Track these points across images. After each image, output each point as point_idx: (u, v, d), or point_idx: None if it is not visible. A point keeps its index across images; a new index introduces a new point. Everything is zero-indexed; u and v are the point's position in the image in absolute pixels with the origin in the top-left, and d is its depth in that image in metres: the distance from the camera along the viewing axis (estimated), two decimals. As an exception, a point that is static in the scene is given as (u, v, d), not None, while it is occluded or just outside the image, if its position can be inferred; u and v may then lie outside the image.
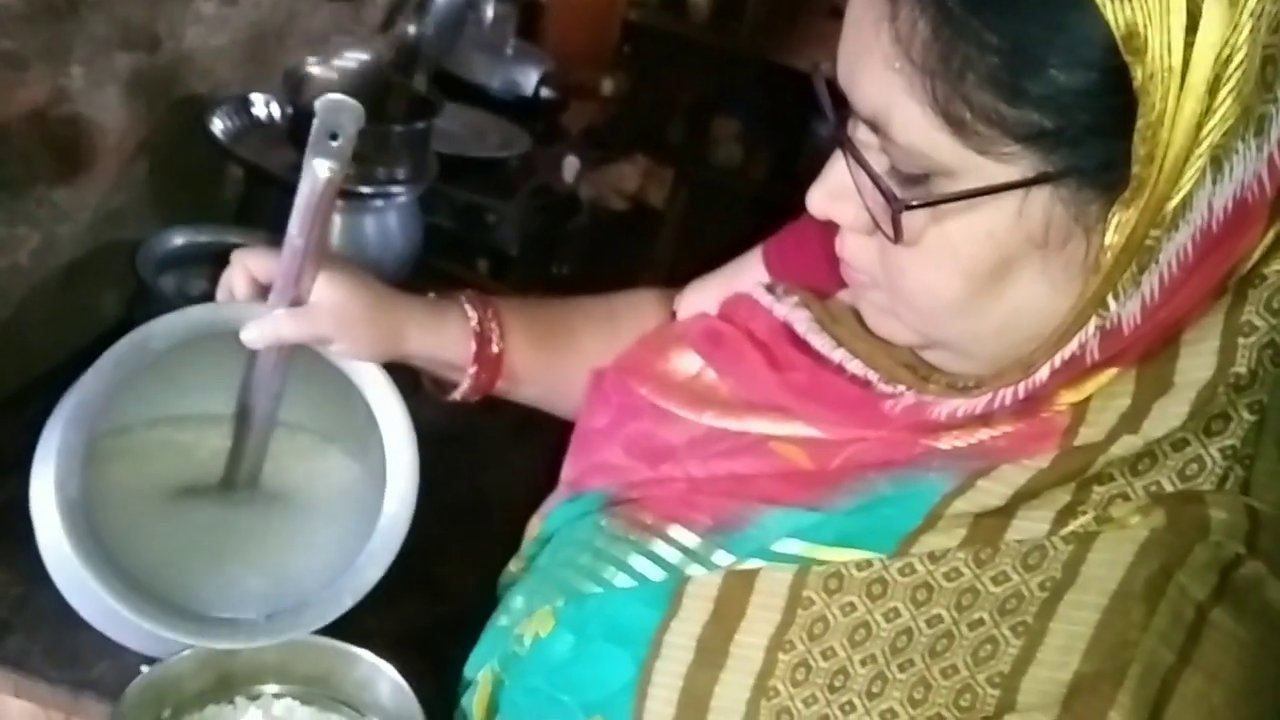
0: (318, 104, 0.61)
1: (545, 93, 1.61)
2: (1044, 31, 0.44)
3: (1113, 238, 0.46)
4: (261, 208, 1.14)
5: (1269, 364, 0.50)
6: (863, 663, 0.53)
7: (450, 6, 1.38)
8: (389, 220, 1.16)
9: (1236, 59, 0.43)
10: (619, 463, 0.66)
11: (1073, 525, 0.51)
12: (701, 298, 0.75)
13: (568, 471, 0.72)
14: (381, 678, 0.70)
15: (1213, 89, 0.43)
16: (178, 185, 1.14)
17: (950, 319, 0.53)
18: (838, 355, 0.60)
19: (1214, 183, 0.45)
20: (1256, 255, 0.49)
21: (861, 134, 0.51)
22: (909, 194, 0.49)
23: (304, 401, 0.75)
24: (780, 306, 0.64)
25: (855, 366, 0.59)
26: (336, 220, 1.11)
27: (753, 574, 0.57)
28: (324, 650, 0.70)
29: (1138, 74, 0.43)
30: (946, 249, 0.50)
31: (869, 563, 0.54)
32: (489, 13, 1.55)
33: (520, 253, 1.42)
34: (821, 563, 0.55)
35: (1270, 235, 0.49)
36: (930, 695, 0.51)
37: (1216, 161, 0.45)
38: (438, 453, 0.71)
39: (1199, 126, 0.44)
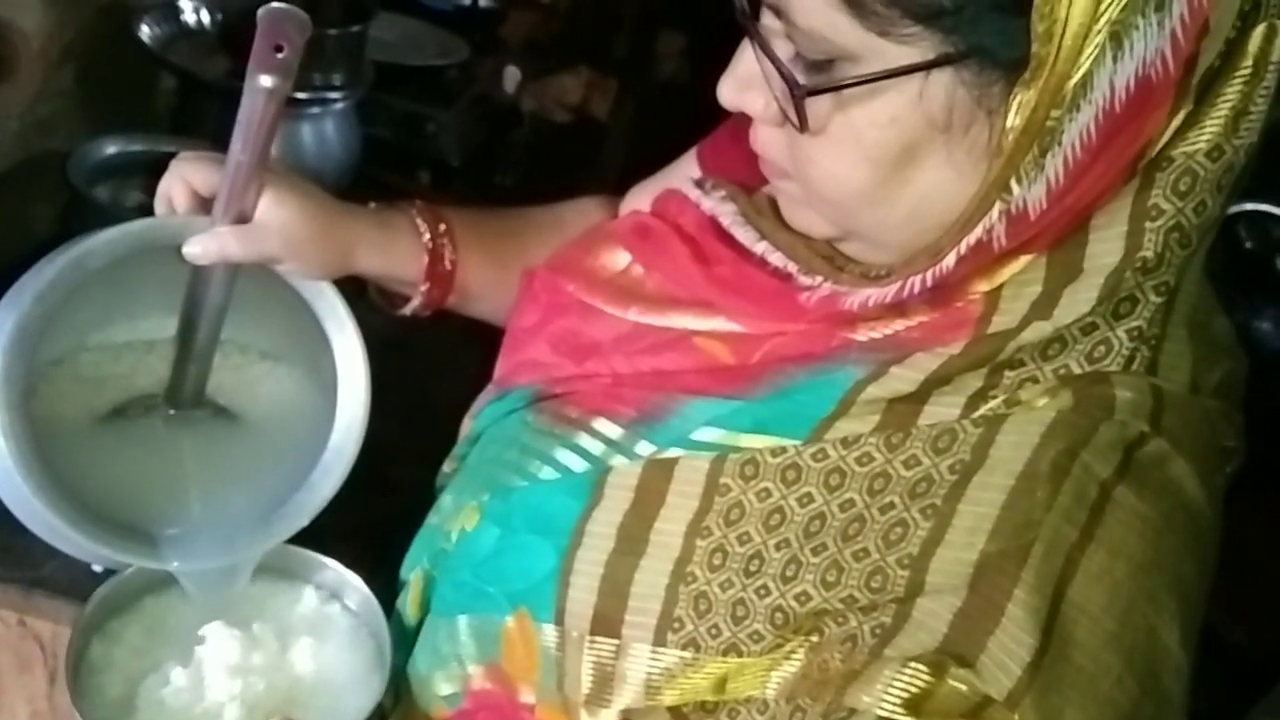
0: (260, 14, 0.58)
1: (484, 2, 1.59)
2: None
3: (1014, 119, 0.46)
4: (196, 117, 1.11)
5: (1176, 247, 0.50)
6: (777, 547, 0.54)
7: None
8: (326, 128, 1.14)
9: None
10: (545, 359, 0.66)
11: (983, 409, 0.52)
12: (642, 201, 0.74)
13: (498, 370, 0.71)
14: (348, 587, 0.70)
15: None
16: (109, 94, 1.12)
17: (860, 207, 0.53)
18: (760, 248, 0.60)
19: (1115, 60, 0.45)
20: (1165, 138, 0.49)
21: (767, 20, 0.51)
22: (814, 81, 0.49)
23: (250, 316, 0.72)
24: (708, 200, 0.64)
25: (777, 259, 0.59)
26: (274, 130, 1.09)
27: (672, 462, 0.58)
28: (293, 556, 0.70)
29: None
30: (851, 136, 0.50)
31: (783, 449, 0.55)
32: (424, -81, 1.52)
33: (462, 164, 1.41)
34: (739, 450, 0.56)
35: (1179, 117, 0.49)
36: (842, 578, 0.52)
37: (1116, 38, 0.44)
38: (386, 356, 0.71)
39: (1097, 1, 0.44)
